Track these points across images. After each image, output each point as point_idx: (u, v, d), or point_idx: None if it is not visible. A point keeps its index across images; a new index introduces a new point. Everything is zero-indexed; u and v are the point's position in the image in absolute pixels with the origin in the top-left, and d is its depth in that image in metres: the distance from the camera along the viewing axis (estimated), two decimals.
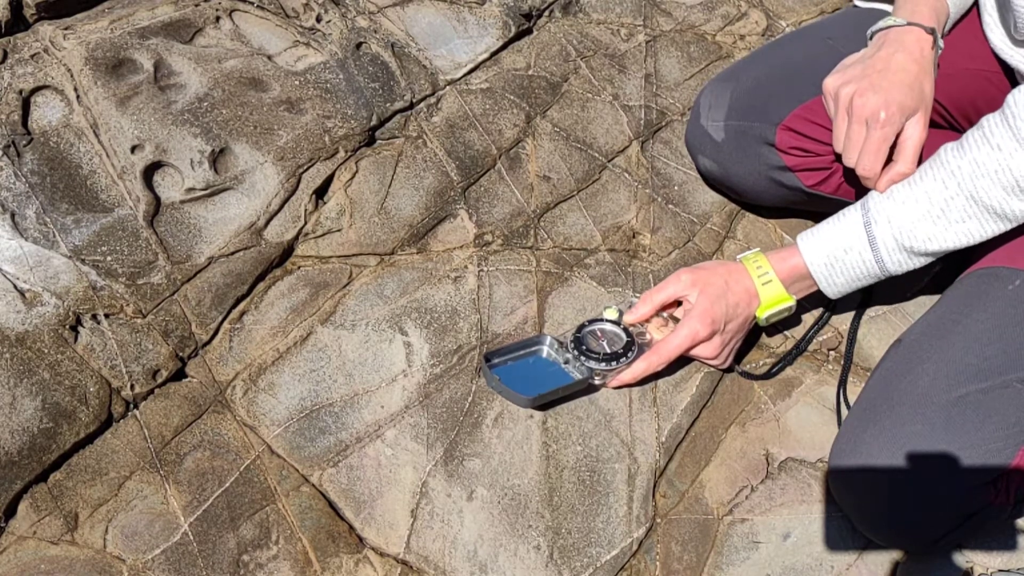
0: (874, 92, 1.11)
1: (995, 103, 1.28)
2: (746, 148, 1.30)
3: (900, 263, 1.12)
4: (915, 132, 1.12)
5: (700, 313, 1.14)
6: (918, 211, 1.09)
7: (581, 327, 1.17)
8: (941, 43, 1.18)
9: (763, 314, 1.17)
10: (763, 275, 1.17)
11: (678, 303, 1.19)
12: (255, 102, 1.27)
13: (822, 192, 1.31)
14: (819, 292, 1.19)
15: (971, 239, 1.10)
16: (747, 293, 1.16)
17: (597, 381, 1.16)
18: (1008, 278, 1.12)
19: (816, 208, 1.39)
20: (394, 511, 1.06)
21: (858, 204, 1.15)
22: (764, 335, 1.29)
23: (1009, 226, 1.08)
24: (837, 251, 1.14)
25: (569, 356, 1.15)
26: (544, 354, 1.17)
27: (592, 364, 1.13)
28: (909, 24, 1.15)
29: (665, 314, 1.19)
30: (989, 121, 1.07)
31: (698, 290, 1.15)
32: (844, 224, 1.14)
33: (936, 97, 1.27)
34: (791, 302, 1.18)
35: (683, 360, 1.19)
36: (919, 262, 1.13)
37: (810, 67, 1.29)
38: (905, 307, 1.34)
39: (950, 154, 1.09)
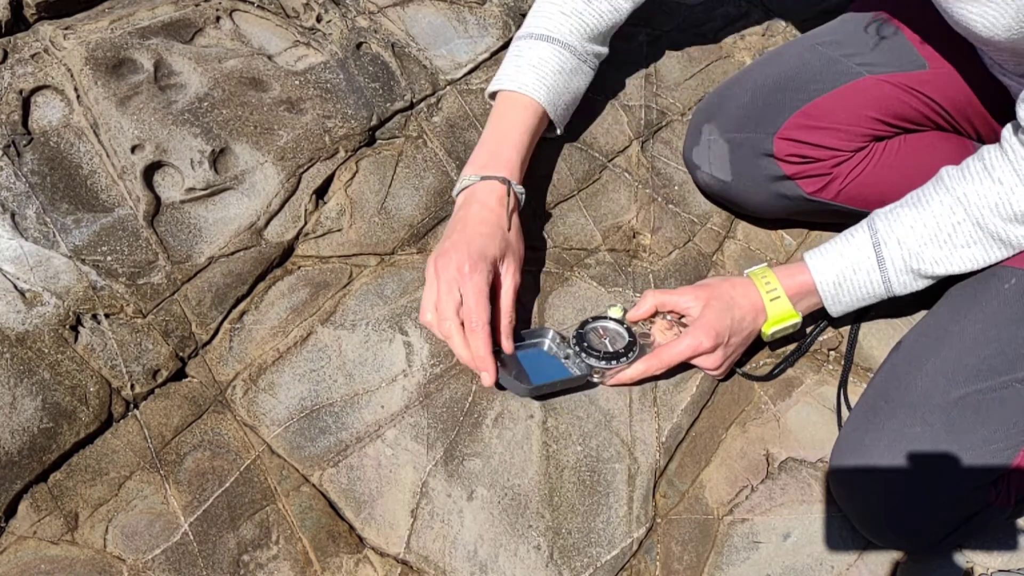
0: (455, 250, 1.09)
1: (993, 102, 1.28)
2: (745, 161, 1.31)
3: (906, 284, 1.14)
4: (507, 282, 1.12)
5: (705, 324, 1.14)
6: (926, 234, 1.11)
7: (585, 323, 1.17)
8: (520, 189, 1.18)
9: (769, 330, 1.18)
10: (771, 291, 1.17)
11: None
12: (255, 102, 1.27)
13: (823, 199, 1.31)
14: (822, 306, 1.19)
15: (975, 264, 1.12)
16: (754, 308, 1.17)
17: (596, 379, 1.16)
18: (1005, 276, 1.13)
19: (818, 219, 1.40)
20: (394, 511, 1.06)
21: (864, 224, 1.16)
22: None
23: (1010, 253, 1.11)
24: (847, 270, 1.15)
25: (570, 352, 1.15)
26: (546, 347, 1.17)
27: (592, 362, 1.14)
28: (482, 179, 1.16)
29: (670, 316, 1.19)
30: (990, 153, 1.09)
31: (703, 303, 1.15)
32: (853, 244, 1.15)
33: (935, 98, 1.27)
34: (797, 319, 1.18)
35: (682, 365, 1.19)
36: (922, 284, 1.15)
37: (802, 74, 1.29)
38: (905, 308, 1.34)
39: (955, 180, 1.11)
